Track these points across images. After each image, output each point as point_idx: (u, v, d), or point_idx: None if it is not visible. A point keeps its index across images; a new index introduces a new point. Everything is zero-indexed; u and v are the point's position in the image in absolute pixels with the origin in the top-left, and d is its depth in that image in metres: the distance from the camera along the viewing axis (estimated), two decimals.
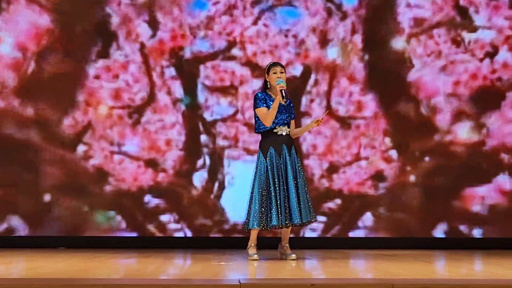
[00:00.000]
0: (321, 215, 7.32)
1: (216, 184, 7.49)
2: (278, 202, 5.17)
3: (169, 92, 7.56)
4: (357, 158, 7.55)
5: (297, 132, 5.53)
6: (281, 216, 5.15)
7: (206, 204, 7.39)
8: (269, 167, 5.22)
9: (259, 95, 5.39)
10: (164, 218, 7.43)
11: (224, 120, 7.50)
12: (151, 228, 7.33)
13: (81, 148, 7.46)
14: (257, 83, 7.36)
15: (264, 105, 5.34)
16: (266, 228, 5.24)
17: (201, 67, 7.58)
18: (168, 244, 7.16)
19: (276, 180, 5.21)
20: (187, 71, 7.57)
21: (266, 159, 5.26)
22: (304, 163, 7.33)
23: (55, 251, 6.53)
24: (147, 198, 7.47)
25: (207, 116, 7.54)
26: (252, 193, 5.32)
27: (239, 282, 3.71)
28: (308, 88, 7.56)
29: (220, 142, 7.47)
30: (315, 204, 6.34)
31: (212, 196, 7.42)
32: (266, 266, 4.87)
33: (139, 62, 7.55)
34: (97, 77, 7.53)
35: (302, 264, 5.08)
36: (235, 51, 7.62)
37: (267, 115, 5.24)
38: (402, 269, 4.66)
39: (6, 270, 4.72)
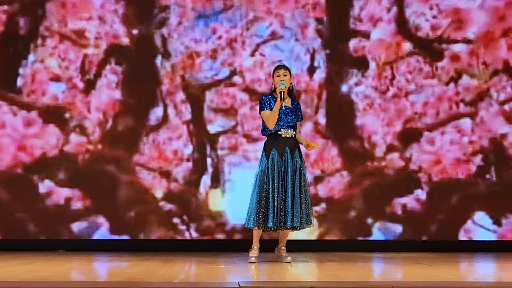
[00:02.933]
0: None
1: (206, 178, 6.78)
2: (275, 204, 5.75)
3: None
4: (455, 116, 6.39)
5: (299, 138, 6.04)
6: (276, 218, 5.73)
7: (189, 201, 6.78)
8: (270, 168, 5.78)
9: (264, 98, 5.93)
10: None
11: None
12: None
13: None
14: None
15: (269, 108, 5.89)
16: (263, 228, 5.77)
17: None
18: (166, 247, 6.82)
19: (275, 181, 5.77)
20: None
21: (268, 160, 5.81)
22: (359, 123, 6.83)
23: None
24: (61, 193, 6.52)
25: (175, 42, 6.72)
26: (252, 192, 5.88)
27: (239, 285, 4.11)
28: None
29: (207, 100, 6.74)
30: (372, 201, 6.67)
31: (201, 192, 6.79)
32: (266, 269, 5.35)
33: None
34: None
35: (302, 267, 5.56)
36: None
37: (269, 118, 5.81)
38: (400, 271, 5.23)
39: None
